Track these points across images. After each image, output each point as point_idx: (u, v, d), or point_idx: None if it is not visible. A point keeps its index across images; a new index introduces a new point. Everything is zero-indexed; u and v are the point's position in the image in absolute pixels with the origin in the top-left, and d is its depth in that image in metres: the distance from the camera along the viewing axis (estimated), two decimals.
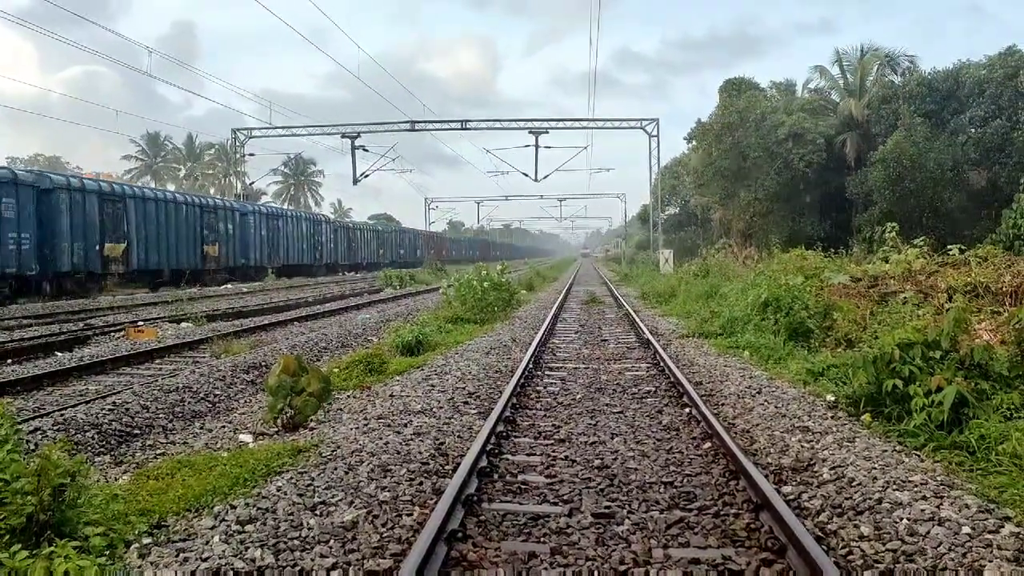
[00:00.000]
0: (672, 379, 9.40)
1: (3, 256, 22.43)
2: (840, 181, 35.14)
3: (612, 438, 6.86)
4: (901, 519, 4.50)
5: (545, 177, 46.26)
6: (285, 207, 59.38)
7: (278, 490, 5.19)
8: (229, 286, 33.43)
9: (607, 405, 8.33)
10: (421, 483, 5.45)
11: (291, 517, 4.69)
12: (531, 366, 10.58)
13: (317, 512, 4.81)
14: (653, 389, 9.21)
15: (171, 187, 73.71)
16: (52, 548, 3.68)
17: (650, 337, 13.03)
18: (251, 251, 38.86)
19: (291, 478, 5.47)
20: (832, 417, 7.19)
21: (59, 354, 12.75)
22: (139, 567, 3.96)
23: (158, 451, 7.06)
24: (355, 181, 46.09)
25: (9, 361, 11.91)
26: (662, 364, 10.53)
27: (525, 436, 7.02)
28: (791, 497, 5.11)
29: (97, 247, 26.65)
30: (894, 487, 5.02)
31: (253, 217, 39.36)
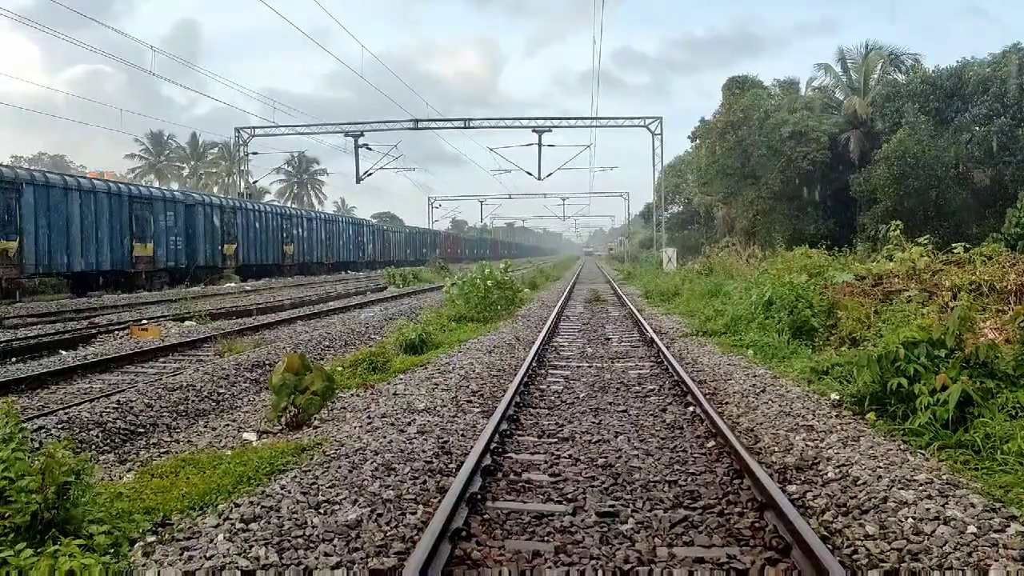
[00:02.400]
0: (676, 377, 9.39)
1: (168, 253, 31.04)
2: (844, 179, 35.07)
3: (616, 436, 6.85)
4: (906, 518, 4.48)
5: (548, 176, 46.20)
6: (339, 214, 65.73)
7: (282, 488, 5.18)
8: (292, 278, 40.46)
9: (611, 403, 8.33)
10: (425, 482, 5.45)
11: (295, 516, 4.69)
12: (535, 364, 10.57)
13: (321, 510, 4.81)
14: (657, 388, 9.20)
15: (175, 185, 73.91)
16: (57, 546, 3.68)
17: (653, 336, 13.01)
18: (314, 250, 47.63)
19: (295, 476, 5.47)
20: (836, 416, 7.18)
21: (63, 352, 12.78)
22: (143, 565, 3.96)
23: (162, 449, 7.08)
24: (358, 179, 46.15)
25: (14, 359, 11.94)
26: (666, 363, 10.52)
27: (529, 434, 7.01)
28: (796, 496, 5.09)
29: (219, 247, 35.35)
30: (899, 486, 5.01)
31: (316, 222, 48.68)
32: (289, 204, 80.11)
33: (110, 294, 26.28)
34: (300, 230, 45.42)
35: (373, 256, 58.68)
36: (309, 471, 5.61)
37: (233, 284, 33.33)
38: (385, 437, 6.60)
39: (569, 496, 5.22)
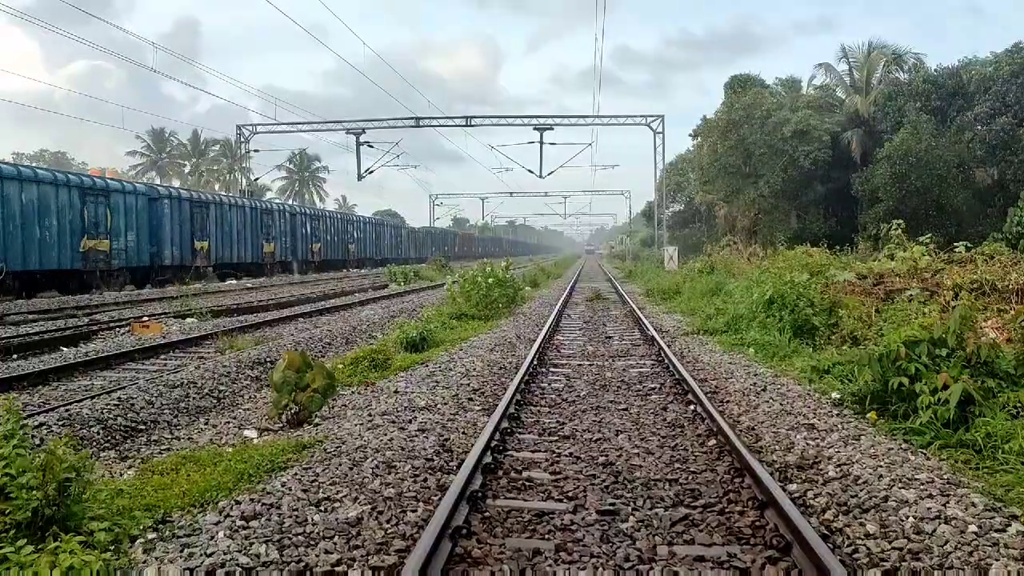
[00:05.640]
0: (677, 376, 9.39)
1: (281, 250, 41.90)
2: (845, 178, 35.05)
3: (617, 435, 6.84)
4: (907, 517, 4.48)
5: (550, 174, 46.31)
6: (383, 218, 73.64)
7: (283, 486, 5.19)
8: (357, 270, 50.69)
9: (611, 402, 8.32)
10: (426, 479, 5.45)
11: (295, 513, 4.69)
12: (536, 363, 10.57)
13: (321, 508, 4.81)
14: (658, 386, 9.20)
15: (176, 183, 73.98)
16: (57, 543, 3.68)
17: (655, 334, 13.00)
18: (367, 248, 58.00)
19: (296, 474, 5.47)
20: (837, 415, 7.17)
21: (64, 349, 12.78)
22: (144, 562, 3.96)
23: (163, 447, 7.07)
24: (360, 177, 46.18)
25: (15, 356, 11.94)
26: (667, 361, 10.51)
27: (530, 433, 7.01)
28: (796, 495, 5.09)
29: (310, 246, 46.21)
30: (900, 485, 5.00)
31: (368, 225, 59.91)
32: (290, 201, 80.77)
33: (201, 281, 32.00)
34: (358, 232, 56.22)
35: (407, 254, 68.24)
36: (310, 468, 5.61)
37: (297, 276, 41.05)
38: (386, 435, 6.60)
39: (570, 494, 5.22)
